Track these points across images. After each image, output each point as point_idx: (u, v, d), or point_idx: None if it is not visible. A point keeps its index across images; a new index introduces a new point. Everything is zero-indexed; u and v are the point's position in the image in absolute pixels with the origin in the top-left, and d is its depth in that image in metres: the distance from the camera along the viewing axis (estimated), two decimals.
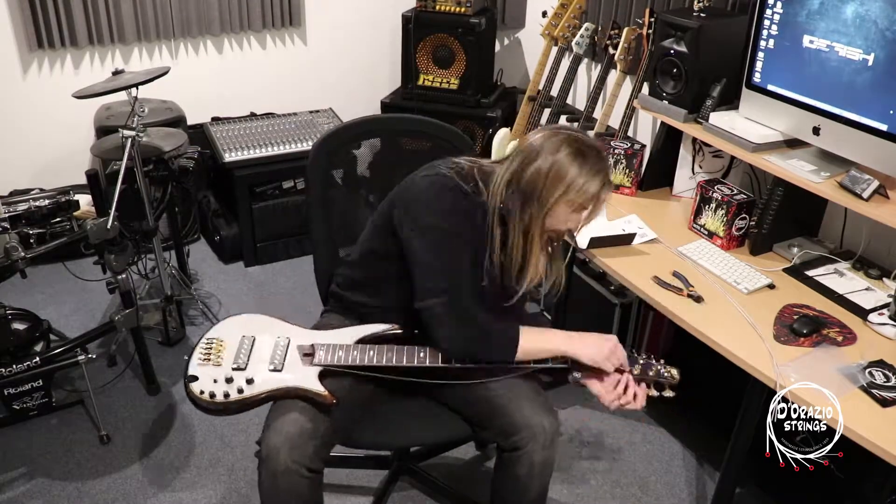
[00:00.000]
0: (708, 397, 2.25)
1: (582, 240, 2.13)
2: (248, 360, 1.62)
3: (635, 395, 1.65)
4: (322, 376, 1.61)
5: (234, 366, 1.60)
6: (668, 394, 1.69)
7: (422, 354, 1.63)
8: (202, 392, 1.56)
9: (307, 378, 1.60)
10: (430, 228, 1.57)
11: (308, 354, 1.64)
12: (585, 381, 1.66)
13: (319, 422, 1.58)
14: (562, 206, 1.56)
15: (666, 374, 1.68)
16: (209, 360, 1.62)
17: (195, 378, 1.58)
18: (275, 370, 1.61)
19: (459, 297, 1.57)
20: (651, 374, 1.67)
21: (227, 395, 1.56)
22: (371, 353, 1.64)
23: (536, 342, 1.62)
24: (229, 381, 1.58)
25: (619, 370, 1.66)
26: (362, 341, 1.68)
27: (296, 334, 1.71)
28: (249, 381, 1.57)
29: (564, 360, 1.65)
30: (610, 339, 1.65)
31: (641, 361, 1.69)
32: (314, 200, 1.95)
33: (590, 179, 1.54)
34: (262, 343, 1.67)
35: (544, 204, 1.55)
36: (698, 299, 1.92)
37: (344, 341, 1.67)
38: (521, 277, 1.65)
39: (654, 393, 1.68)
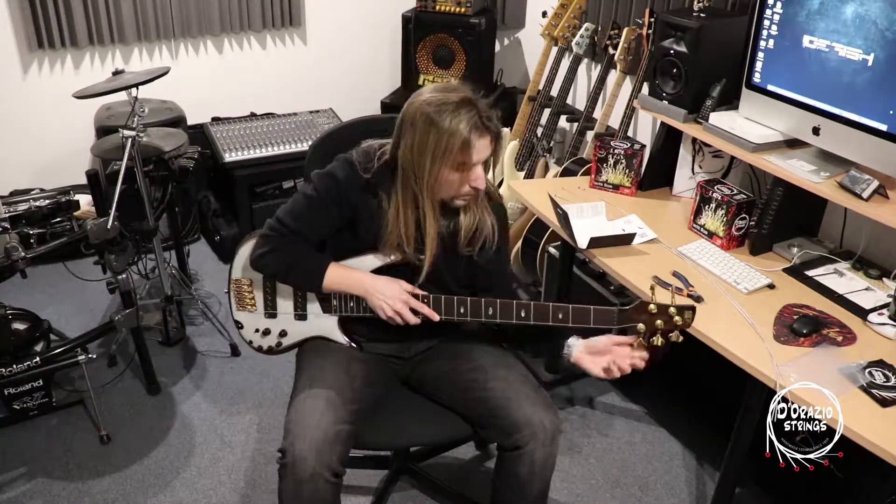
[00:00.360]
0: (708, 397, 2.25)
1: (582, 240, 2.13)
2: (275, 305, 1.81)
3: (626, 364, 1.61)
4: (342, 323, 1.77)
5: (266, 313, 1.82)
6: (676, 338, 1.59)
7: (462, 308, 1.66)
8: (251, 342, 1.86)
9: (330, 328, 1.79)
10: (300, 191, 1.70)
11: (324, 300, 1.77)
12: (578, 360, 1.65)
13: (341, 424, 1.58)
14: (443, 172, 1.55)
15: (677, 320, 1.57)
16: (244, 305, 1.83)
17: (240, 325, 1.85)
18: (300, 319, 1.81)
19: (281, 224, 1.67)
20: (661, 324, 1.57)
21: (270, 349, 1.85)
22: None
23: (340, 276, 1.68)
24: (266, 333, 1.83)
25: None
26: (375, 271, 1.72)
27: None
28: (282, 334, 1.82)
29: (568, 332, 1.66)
30: (396, 283, 1.66)
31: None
32: None
33: (452, 132, 1.50)
34: (284, 288, 1.81)
35: (422, 175, 1.55)
36: (698, 299, 1.92)
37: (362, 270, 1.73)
38: (422, 250, 1.65)
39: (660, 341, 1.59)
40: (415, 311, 1.65)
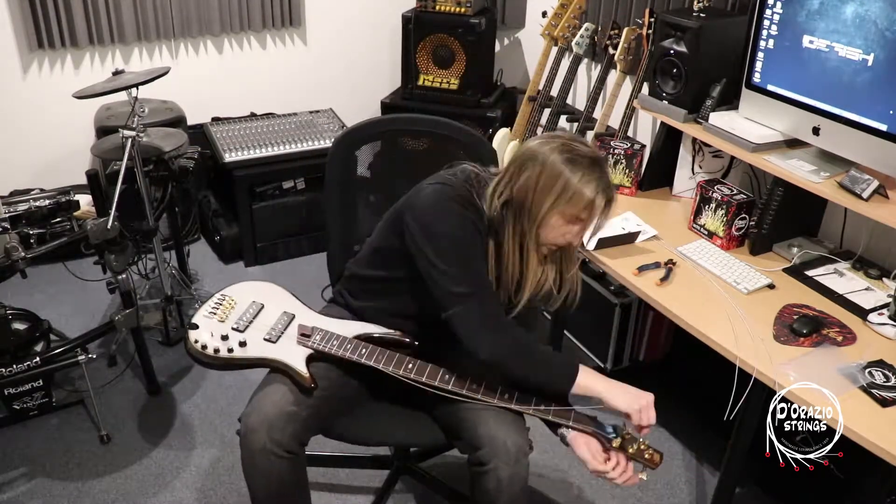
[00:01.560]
0: (708, 397, 2.25)
1: (589, 241, 2.12)
2: (248, 325, 1.70)
3: (623, 470, 1.56)
4: (311, 360, 1.65)
5: (235, 326, 1.69)
6: (642, 475, 1.56)
7: (410, 366, 1.63)
8: (196, 341, 1.66)
9: (294, 357, 1.64)
10: (442, 236, 1.55)
11: (305, 335, 1.69)
12: (573, 442, 1.59)
13: (301, 406, 1.59)
14: (555, 217, 1.51)
15: (647, 456, 1.56)
16: (215, 314, 1.72)
17: (195, 326, 1.70)
18: (269, 340, 1.68)
19: (487, 302, 1.56)
20: (631, 451, 1.56)
21: (216, 351, 1.64)
22: (363, 350, 1.65)
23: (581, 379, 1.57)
24: (224, 338, 1.66)
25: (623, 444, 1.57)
26: (360, 338, 1.69)
27: (302, 314, 1.75)
28: (242, 344, 1.65)
29: (566, 414, 1.60)
30: (646, 396, 1.59)
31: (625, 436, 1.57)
32: (331, 194, 1.99)
33: (583, 187, 1.48)
34: (268, 312, 1.74)
35: (536, 213, 1.51)
36: (671, 263, 2.02)
37: (344, 333, 1.69)
38: (519, 291, 1.62)
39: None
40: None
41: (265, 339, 1.67)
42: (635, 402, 1.57)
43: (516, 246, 1.57)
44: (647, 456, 1.55)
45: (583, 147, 1.52)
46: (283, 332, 1.69)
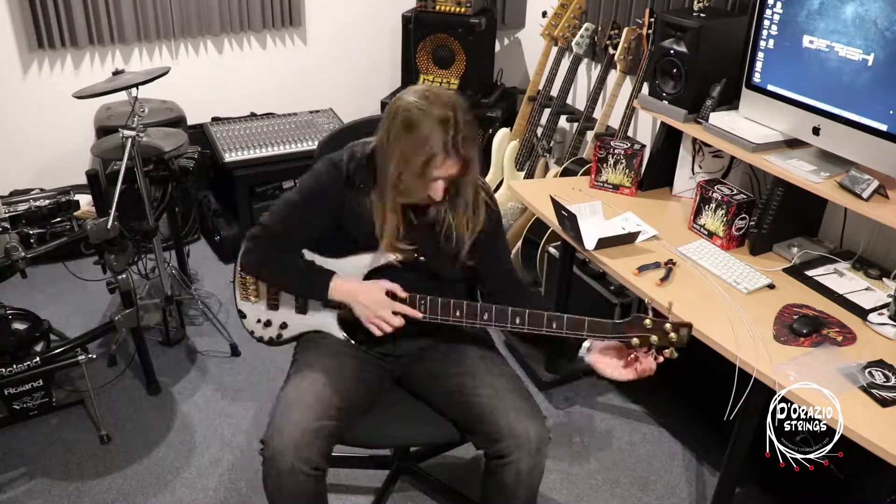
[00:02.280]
0: (708, 397, 2.25)
1: (589, 241, 2.13)
2: (277, 296, 1.84)
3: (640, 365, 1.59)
4: (341, 319, 1.78)
5: (269, 305, 1.85)
6: (670, 354, 1.57)
7: (423, 303, 1.68)
8: (252, 332, 1.89)
9: (328, 322, 1.80)
10: (293, 189, 1.74)
11: None
12: (595, 364, 1.63)
13: (323, 420, 1.59)
14: (404, 178, 1.55)
15: (672, 339, 1.55)
16: (247, 295, 1.87)
17: (244, 315, 1.89)
18: (300, 312, 1.83)
19: (267, 228, 1.73)
20: (655, 342, 1.56)
21: (271, 340, 1.88)
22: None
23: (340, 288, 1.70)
24: (268, 324, 1.86)
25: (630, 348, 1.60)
26: (369, 276, 1.73)
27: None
28: (283, 326, 1.85)
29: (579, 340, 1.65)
30: (378, 289, 1.67)
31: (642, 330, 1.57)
32: None
33: (421, 146, 1.50)
34: None
35: (384, 172, 1.57)
36: (671, 263, 2.04)
37: (354, 275, 1.74)
38: (385, 244, 1.66)
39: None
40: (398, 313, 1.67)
41: (297, 312, 1.83)
42: (369, 311, 1.68)
43: (379, 202, 1.63)
44: (672, 339, 1.55)
45: (433, 104, 1.51)
46: (308, 301, 1.81)
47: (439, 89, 1.57)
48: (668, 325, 1.56)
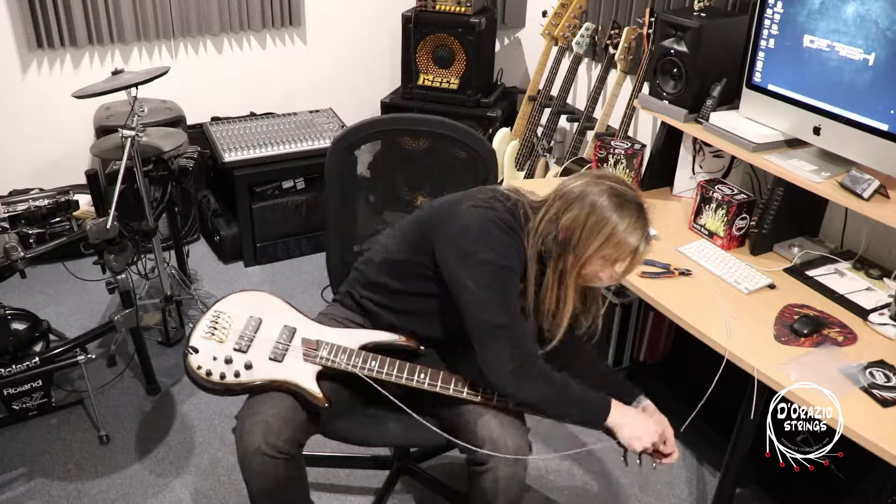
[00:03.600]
0: (708, 397, 2.25)
1: None
2: (250, 344, 1.63)
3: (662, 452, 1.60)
4: (320, 376, 1.61)
5: (236, 346, 1.62)
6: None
7: (422, 376, 1.62)
8: (199, 367, 1.58)
9: (305, 376, 1.60)
10: (485, 262, 1.52)
11: (311, 349, 1.64)
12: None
13: (298, 411, 1.59)
14: (598, 259, 1.53)
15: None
16: (213, 335, 1.63)
17: (196, 350, 1.60)
18: (275, 360, 1.61)
19: (522, 337, 1.55)
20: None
21: (223, 377, 1.58)
22: (373, 363, 1.62)
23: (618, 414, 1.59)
24: (228, 361, 1.59)
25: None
26: (366, 348, 1.66)
27: (302, 325, 1.70)
28: (248, 367, 1.59)
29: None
30: (651, 436, 1.59)
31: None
32: (331, 193, 1.97)
33: (629, 234, 1.50)
34: (268, 327, 1.67)
35: (581, 254, 1.52)
36: (686, 272, 2.00)
37: (349, 344, 1.66)
38: (553, 323, 1.62)
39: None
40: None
41: (271, 359, 1.61)
42: (637, 442, 1.58)
43: (556, 279, 1.57)
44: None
45: (629, 192, 1.54)
46: (287, 349, 1.63)
47: (616, 177, 1.57)
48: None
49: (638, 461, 1.61)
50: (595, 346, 1.80)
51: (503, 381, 1.54)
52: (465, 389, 1.62)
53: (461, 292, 1.54)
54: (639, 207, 1.53)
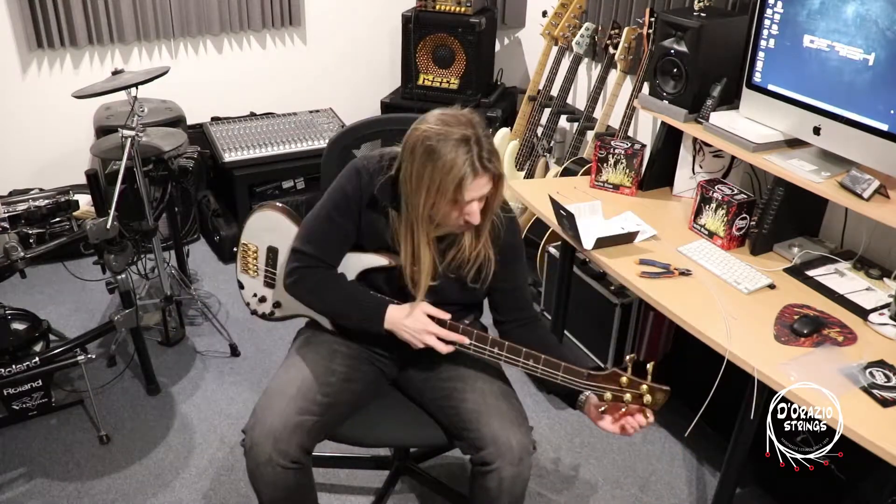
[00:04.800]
0: (709, 398, 2.25)
1: (588, 241, 2.12)
2: (275, 277, 1.85)
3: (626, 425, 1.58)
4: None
5: (266, 282, 1.87)
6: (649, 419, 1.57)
7: (497, 347, 1.63)
8: (248, 304, 1.92)
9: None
10: (320, 199, 1.71)
11: None
12: (587, 412, 1.63)
13: (306, 416, 1.59)
14: (436, 206, 1.51)
15: (646, 401, 1.55)
16: (247, 268, 1.90)
17: (242, 286, 1.92)
18: None
19: (310, 257, 1.68)
20: (626, 398, 1.55)
21: (264, 315, 1.90)
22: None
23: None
24: (262, 300, 1.88)
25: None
26: (363, 275, 1.72)
27: None
28: (276, 305, 1.87)
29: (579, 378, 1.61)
30: (420, 313, 1.63)
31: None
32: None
33: (451, 166, 1.46)
34: (284, 256, 1.82)
35: (416, 204, 1.52)
36: (686, 272, 2.01)
37: (349, 272, 1.73)
38: (416, 275, 1.62)
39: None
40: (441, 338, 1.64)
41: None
42: (410, 336, 1.64)
43: (408, 232, 1.58)
44: (646, 401, 1.54)
45: (452, 127, 1.49)
46: None
47: (451, 110, 1.54)
48: (644, 387, 1.54)
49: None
50: (550, 331, 1.84)
51: (288, 288, 1.74)
52: (474, 338, 1.64)
53: None
54: (462, 136, 1.47)
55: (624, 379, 1.55)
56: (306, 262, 1.68)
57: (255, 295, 1.89)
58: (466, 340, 1.63)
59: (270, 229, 1.84)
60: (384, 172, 1.61)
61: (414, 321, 1.63)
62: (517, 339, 1.65)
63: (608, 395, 1.56)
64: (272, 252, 1.83)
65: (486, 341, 1.62)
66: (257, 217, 1.85)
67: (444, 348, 1.62)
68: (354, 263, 1.72)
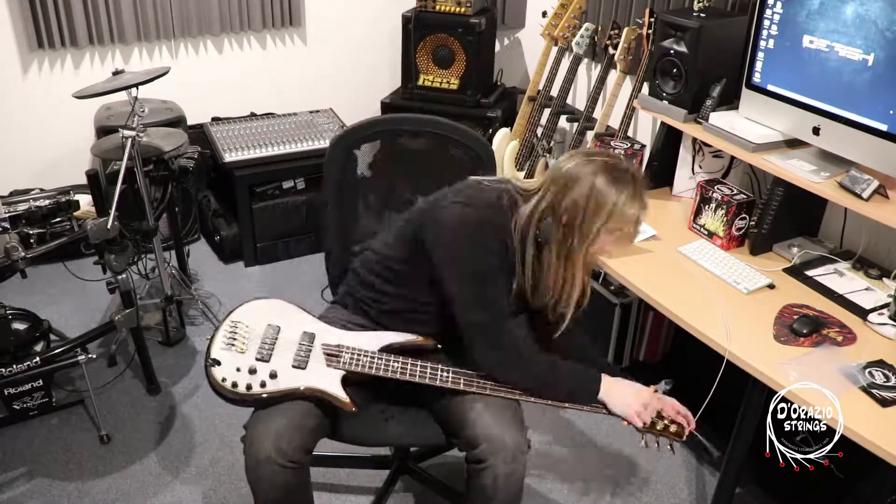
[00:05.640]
0: (709, 398, 2.25)
1: None
2: (272, 352, 1.62)
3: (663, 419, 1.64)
4: (344, 380, 1.62)
5: (258, 356, 1.61)
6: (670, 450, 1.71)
7: (445, 375, 1.64)
8: (224, 379, 1.57)
9: (331, 382, 1.60)
10: (461, 261, 1.58)
11: (332, 356, 1.64)
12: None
13: (308, 417, 1.59)
14: (603, 234, 1.56)
15: (672, 430, 1.67)
16: (233, 345, 1.62)
17: (217, 363, 1.59)
18: (298, 367, 1.61)
19: (501, 330, 1.60)
20: (658, 428, 1.66)
21: (249, 387, 1.56)
22: (395, 364, 1.64)
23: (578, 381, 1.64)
24: (252, 371, 1.58)
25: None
26: (387, 349, 1.68)
27: (321, 331, 1.71)
28: (272, 376, 1.58)
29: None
30: (643, 393, 1.65)
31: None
32: (330, 194, 1.98)
33: (628, 206, 1.53)
34: (288, 335, 1.67)
35: (587, 232, 1.55)
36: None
37: (370, 348, 1.67)
38: (561, 305, 1.64)
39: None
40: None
41: (294, 367, 1.61)
42: (629, 408, 1.63)
43: (561, 261, 1.60)
44: (672, 430, 1.65)
45: (621, 164, 1.57)
46: (309, 355, 1.64)
47: (608, 153, 1.61)
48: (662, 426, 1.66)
49: (643, 442, 1.66)
50: (584, 332, 1.82)
51: (491, 374, 1.63)
52: (488, 387, 1.63)
53: (446, 294, 1.62)
54: (633, 177, 1.56)
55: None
56: (498, 331, 1.60)
57: (238, 369, 1.58)
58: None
59: (269, 310, 1.73)
60: (511, 209, 1.60)
61: (638, 398, 1.65)
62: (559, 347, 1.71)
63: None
64: (272, 328, 1.68)
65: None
66: (255, 303, 1.75)
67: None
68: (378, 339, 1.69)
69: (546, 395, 1.63)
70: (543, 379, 1.62)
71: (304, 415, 1.58)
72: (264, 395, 1.57)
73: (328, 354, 1.65)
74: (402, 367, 1.64)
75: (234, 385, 1.56)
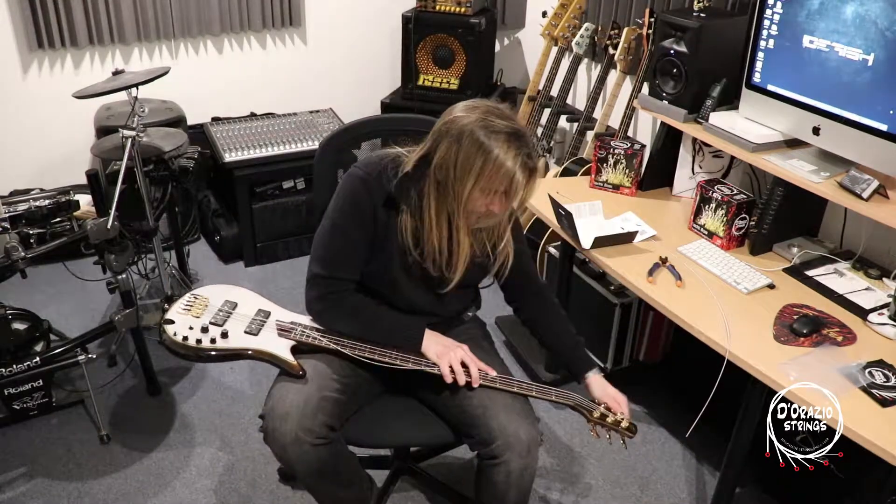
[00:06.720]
0: (709, 398, 2.25)
1: (586, 240, 2.13)
2: (226, 319, 1.68)
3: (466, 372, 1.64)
4: (295, 350, 1.65)
5: (213, 321, 1.66)
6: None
7: (393, 353, 1.65)
8: (175, 334, 1.61)
9: (279, 346, 1.64)
10: (327, 220, 1.65)
11: (284, 329, 1.68)
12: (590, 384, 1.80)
13: (325, 392, 1.59)
14: (477, 192, 1.49)
15: (624, 426, 1.76)
16: (189, 311, 1.67)
17: (171, 322, 1.64)
18: (250, 333, 1.66)
19: (336, 282, 1.65)
20: (609, 421, 1.74)
21: (199, 342, 1.60)
22: (345, 340, 1.67)
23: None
24: (204, 330, 1.62)
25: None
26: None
27: (278, 311, 1.75)
28: (224, 335, 1.62)
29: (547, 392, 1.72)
30: (451, 344, 1.68)
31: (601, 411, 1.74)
32: (320, 199, 1.96)
33: (502, 163, 1.44)
34: (243, 310, 1.72)
35: (459, 192, 1.49)
36: (664, 259, 2.07)
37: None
38: (450, 267, 1.62)
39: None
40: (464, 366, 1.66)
41: (246, 332, 1.65)
42: (429, 350, 1.66)
43: (443, 222, 1.57)
44: (623, 426, 1.74)
45: (500, 121, 1.47)
46: (262, 325, 1.68)
47: (491, 104, 1.53)
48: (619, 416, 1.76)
49: (594, 433, 1.76)
50: (559, 304, 1.89)
51: (316, 318, 1.69)
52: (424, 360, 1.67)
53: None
54: (510, 133, 1.46)
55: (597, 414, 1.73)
56: (333, 286, 1.65)
57: (191, 328, 1.62)
58: (493, 373, 1.67)
59: (230, 291, 1.79)
60: (389, 172, 1.59)
61: (453, 346, 1.67)
62: (529, 315, 1.84)
63: (595, 413, 1.74)
64: (229, 303, 1.74)
65: (512, 381, 1.69)
66: (219, 286, 1.81)
67: (468, 378, 1.64)
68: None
69: (368, 337, 1.66)
70: (362, 325, 1.66)
71: (322, 391, 1.58)
72: (213, 353, 1.60)
73: (281, 329, 1.68)
74: (352, 345, 1.65)
75: (185, 339, 1.60)
